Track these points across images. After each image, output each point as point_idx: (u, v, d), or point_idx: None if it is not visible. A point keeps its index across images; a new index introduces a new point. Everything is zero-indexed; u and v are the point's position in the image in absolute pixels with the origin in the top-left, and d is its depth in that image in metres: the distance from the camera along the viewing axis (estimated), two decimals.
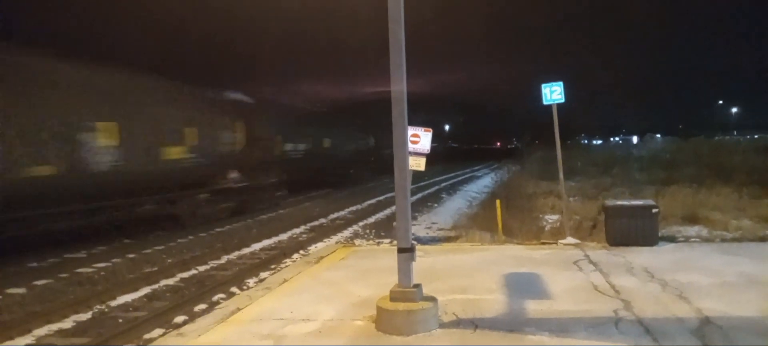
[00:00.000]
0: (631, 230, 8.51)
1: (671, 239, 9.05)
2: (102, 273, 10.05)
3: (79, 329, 7.04)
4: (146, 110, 13.37)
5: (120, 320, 7.31)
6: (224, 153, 16.50)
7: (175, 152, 14.22)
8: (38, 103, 10.67)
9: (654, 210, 8.56)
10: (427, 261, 7.98)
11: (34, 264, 10.82)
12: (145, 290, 8.74)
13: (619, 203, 9.08)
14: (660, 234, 8.84)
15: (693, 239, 9.27)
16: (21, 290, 8.86)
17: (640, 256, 7.85)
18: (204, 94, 16.63)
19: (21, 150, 10.34)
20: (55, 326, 7.11)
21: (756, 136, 51.19)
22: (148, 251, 11.99)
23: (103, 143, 11.91)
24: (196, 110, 15.55)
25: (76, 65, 12.12)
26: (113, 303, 8.08)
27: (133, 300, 8.26)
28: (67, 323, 7.23)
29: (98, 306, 7.90)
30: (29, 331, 6.92)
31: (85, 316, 7.50)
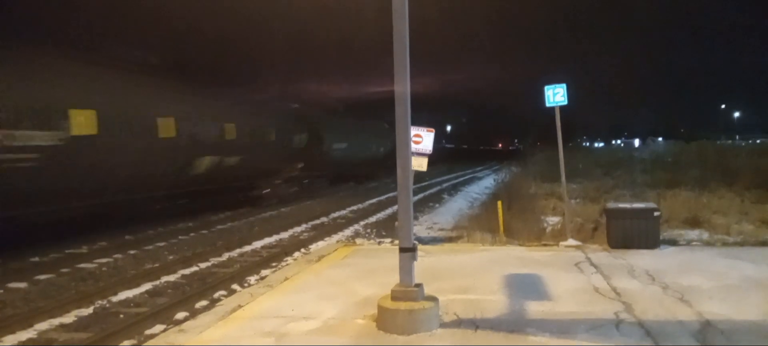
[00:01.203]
0: (633, 233, 8.51)
1: (673, 243, 9.05)
2: (104, 269, 10.08)
3: (81, 325, 7.05)
4: (373, 133, 34.13)
5: (121, 316, 7.33)
6: (390, 151, 31.04)
7: (380, 148, 33.95)
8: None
9: (655, 213, 8.56)
10: (428, 261, 7.99)
11: (36, 259, 10.85)
12: (147, 286, 8.76)
13: (621, 205, 9.08)
14: (661, 237, 8.82)
15: (694, 243, 9.26)
16: (23, 285, 8.88)
17: (641, 259, 7.85)
18: (381, 125, 35.57)
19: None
20: (56, 321, 7.13)
21: (759, 141, 51.14)
22: (150, 247, 12.02)
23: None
24: (382, 133, 34.66)
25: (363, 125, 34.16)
26: (115, 299, 8.10)
27: (135, 296, 8.28)
28: (69, 318, 7.25)
29: (100, 302, 7.92)
30: (31, 325, 6.94)
31: (86, 311, 7.52)
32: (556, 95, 9.35)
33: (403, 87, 5.28)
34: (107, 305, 7.82)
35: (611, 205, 9.16)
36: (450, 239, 11.17)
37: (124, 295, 8.29)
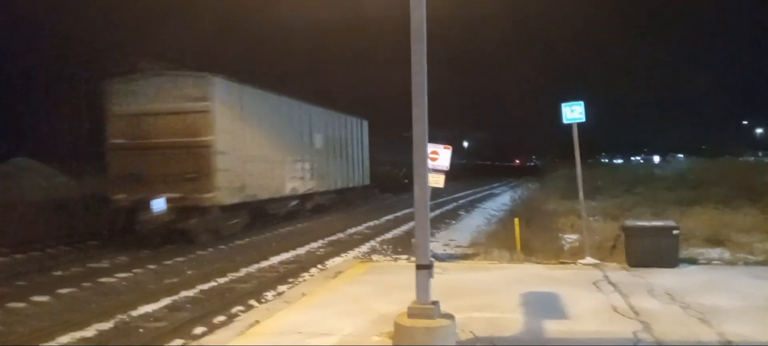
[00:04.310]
0: (652, 251, 8.41)
1: (693, 261, 8.92)
2: (124, 283, 10.22)
3: (102, 338, 7.16)
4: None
5: (141, 330, 7.42)
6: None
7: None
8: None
9: (675, 231, 8.46)
10: (445, 278, 7.97)
11: (59, 273, 11.06)
12: (166, 301, 8.85)
13: (640, 223, 8.99)
14: (681, 256, 8.72)
15: (715, 262, 9.12)
16: (45, 299, 9.05)
17: (660, 277, 7.76)
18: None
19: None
20: (78, 335, 7.24)
21: None
22: (169, 262, 12.16)
23: None
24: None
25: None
26: (135, 313, 8.20)
27: (154, 311, 8.37)
28: (90, 332, 7.35)
29: (120, 316, 8.02)
30: (53, 339, 7.06)
31: (107, 325, 7.62)
32: (573, 112, 9.34)
33: (420, 107, 5.34)
34: (127, 320, 7.92)
35: (630, 223, 9.08)
36: (467, 257, 11.13)
37: (143, 309, 8.38)
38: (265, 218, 18.31)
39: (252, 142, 16.66)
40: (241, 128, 16.03)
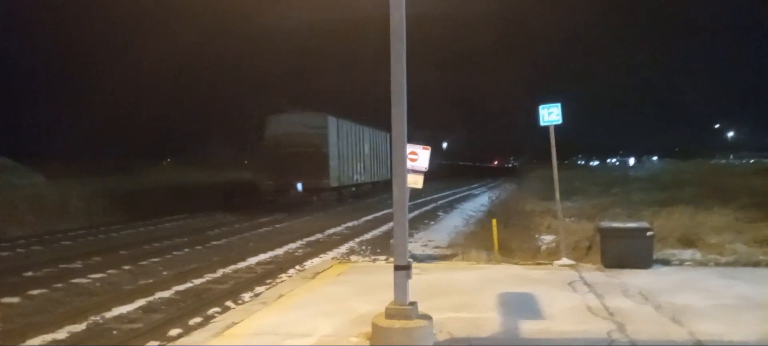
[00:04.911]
0: (626, 252, 8.55)
1: (666, 262, 9.09)
2: (98, 284, 10.04)
3: (74, 340, 7.02)
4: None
5: (115, 332, 7.30)
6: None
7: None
8: None
9: (649, 232, 8.61)
10: (423, 279, 8.00)
11: (30, 273, 10.82)
12: (141, 302, 8.71)
13: (614, 224, 9.13)
14: (655, 256, 8.87)
15: (687, 262, 9.30)
16: (16, 300, 8.84)
17: (634, 278, 7.88)
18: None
19: None
20: (49, 337, 7.08)
21: (752, 161, 51.49)
22: (144, 262, 11.99)
23: None
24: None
25: None
26: (108, 315, 8.05)
27: (129, 312, 8.23)
28: (62, 334, 7.20)
29: (93, 317, 7.87)
30: (24, 341, 6.90)
31: (80, 327, 7.47)
32: (550, 114, 9.42)
33: (399, 107, 5.35)
34: (101, 321, 7.77)
35: (605, 224, 9.21)
36: (445, 257, 11.18)
37: (117, 311, 8.23)
38: (342, 197, 29.23)
39: (342, 151, 28.48)
40: (338, 143, 27.85)
